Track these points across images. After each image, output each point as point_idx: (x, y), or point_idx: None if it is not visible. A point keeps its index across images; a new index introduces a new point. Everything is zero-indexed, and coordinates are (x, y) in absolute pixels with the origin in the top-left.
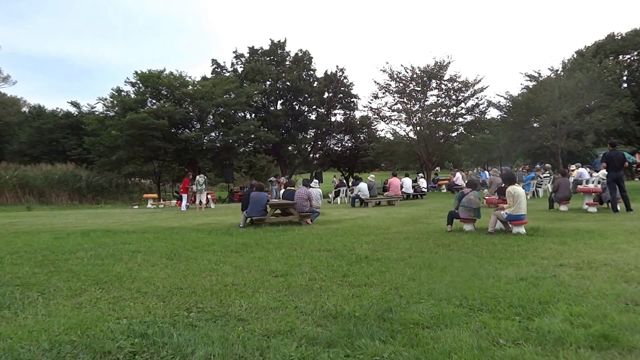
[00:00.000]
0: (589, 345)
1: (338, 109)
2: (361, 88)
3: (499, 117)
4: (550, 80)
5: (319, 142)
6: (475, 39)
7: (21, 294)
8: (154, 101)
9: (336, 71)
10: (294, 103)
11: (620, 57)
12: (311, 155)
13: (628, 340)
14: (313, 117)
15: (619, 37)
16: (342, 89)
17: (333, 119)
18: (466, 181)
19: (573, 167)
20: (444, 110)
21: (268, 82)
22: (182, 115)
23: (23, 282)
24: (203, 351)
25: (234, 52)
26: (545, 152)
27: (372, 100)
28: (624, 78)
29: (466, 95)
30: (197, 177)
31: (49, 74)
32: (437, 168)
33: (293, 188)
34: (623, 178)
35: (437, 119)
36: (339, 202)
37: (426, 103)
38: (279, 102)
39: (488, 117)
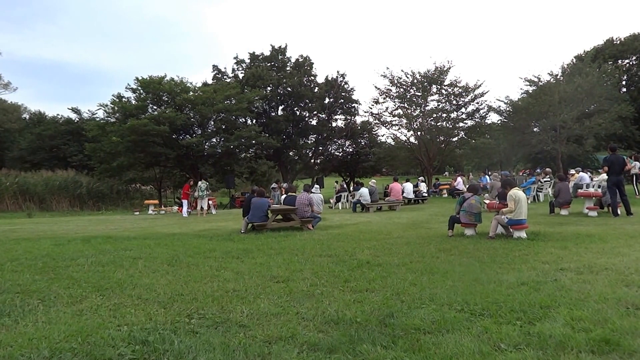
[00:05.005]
0: (590, 349)
1: (339, 114)
2: (362, 93)
3: (499, 122)
4: (550, 85)
5: (320, 148)
6: (476, 44)
7: (21, 301)
8: (154, 107)
9: (337, 76)
10: (295, 108)
11: (619, 61)
12: (312, 160)
13: (629, 345)
14: (314, 122)
15: (618, 42)
16: (342, 94)
17: (334, 124)
18: (467, 186)
19: (572, 171)
20: (444, 115)
21: (269, 88)
22: (183, 121)
23: (23, 289)
24: (204, 358)
25: (234, 57)
26: (546, 156)
27: (372, 105)
28: (623, 82)
29: (466, 100)
30: (199, 182)
31: (49, 80)
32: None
33: (294, 193)
34: (623, 182)
35: (438, 123)
36: (340, 208)
37: (427, 108)
38: (280, 107)
39: (488, 121)
